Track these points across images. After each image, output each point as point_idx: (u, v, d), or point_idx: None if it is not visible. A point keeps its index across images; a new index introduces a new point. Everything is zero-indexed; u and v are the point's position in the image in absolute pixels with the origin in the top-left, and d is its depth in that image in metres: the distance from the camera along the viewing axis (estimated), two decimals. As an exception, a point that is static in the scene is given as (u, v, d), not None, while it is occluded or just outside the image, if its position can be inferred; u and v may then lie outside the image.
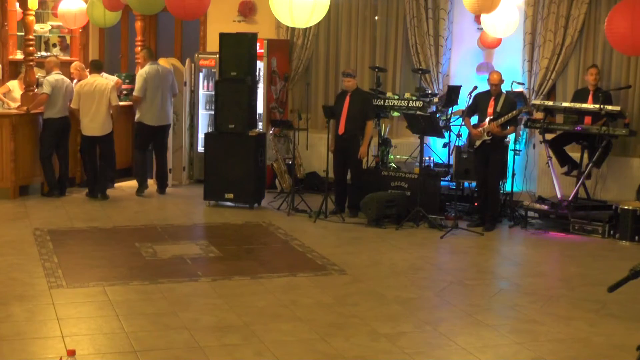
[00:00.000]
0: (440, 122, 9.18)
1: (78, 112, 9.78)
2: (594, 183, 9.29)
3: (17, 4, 11.02)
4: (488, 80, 8.77)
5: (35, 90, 10.08)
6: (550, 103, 9.16)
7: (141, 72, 10.21)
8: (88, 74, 10.66)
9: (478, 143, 8.78)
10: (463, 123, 9.08)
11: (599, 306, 6.15)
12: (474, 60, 10.35)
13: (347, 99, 9.14)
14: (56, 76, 9.78)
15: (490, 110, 8.70)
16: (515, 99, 8.86)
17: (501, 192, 9.07)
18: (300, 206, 9.31)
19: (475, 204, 9.17)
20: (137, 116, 10.24)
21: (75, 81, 10.41)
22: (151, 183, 10.51)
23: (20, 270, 6.69)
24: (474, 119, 8.90)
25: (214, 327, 5.42)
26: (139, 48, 11.05)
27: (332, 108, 9.37)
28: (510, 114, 8.53)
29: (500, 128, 8.57)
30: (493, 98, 8.73)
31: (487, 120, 8.67)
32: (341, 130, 9.15)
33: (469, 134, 8.92)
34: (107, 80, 10.03)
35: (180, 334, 5.28)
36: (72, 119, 9.92)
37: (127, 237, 8.01)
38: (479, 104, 8.86)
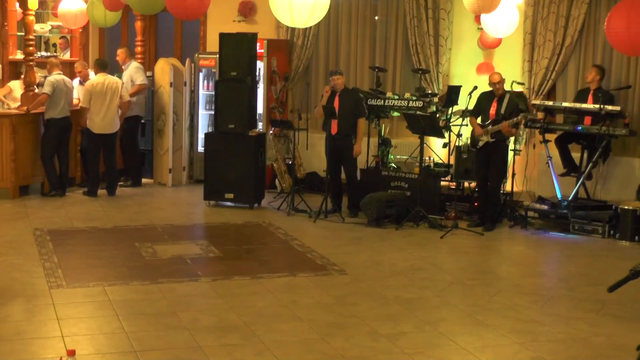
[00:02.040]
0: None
1: (87, 111, 9.78)
2: (594, 183, 9.28)
3: (17, 4, 11.02)
4: (489, 82, 8.76)
5: (36, 90, 10.07)
6: (550, 103, 9.15)
7: (138, 65, 10.49)
8: (90, 72, 10.70)
9: (481, 144, 8.78)
10: (468, 122, 9.05)
11: (599, 306, 6.15)
12: (474, 60, 10.35)
13: (337, 99, 9.14)
14: (57, 76, 9.77)
15: (492, 111, 8.69)
16: (517, 100, 8.86)
17: (501, 192, 9.07)
18: (300, 206, 9.31)
19: (476, 204, 9.17)
20: (132, 112, 10.29)
21: (78, 80, 10.42)
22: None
23: (20, 270, 6.69)
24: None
25: (214, 327, 5.42)
26: (139, 48, 11.09)
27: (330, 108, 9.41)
28: (514, 119, 8.52)
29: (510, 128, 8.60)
30: (496, 99, 8.72)
31: (490, 121, 8.66)
32: (334, 130, 9.14)
33: (473, 133, 8.91)
34: (116, 78, 10.05)
35: (180, 334, 5.28)
36: (73, 119, 9.92)
37: (127, 237, 8.00)
38: (481, 104, 8.85)
